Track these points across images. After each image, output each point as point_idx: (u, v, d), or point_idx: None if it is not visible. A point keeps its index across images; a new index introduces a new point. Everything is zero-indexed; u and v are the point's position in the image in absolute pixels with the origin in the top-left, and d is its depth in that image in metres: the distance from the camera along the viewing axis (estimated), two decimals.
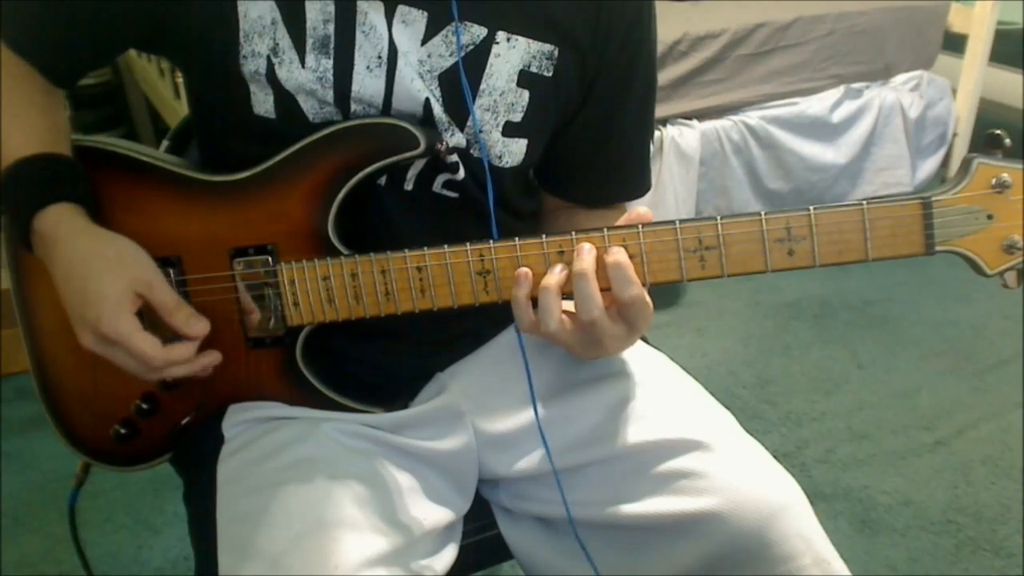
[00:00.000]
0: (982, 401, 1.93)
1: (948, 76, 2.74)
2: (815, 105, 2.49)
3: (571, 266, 0.66)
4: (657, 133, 2.30)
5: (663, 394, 0.80)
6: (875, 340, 2.19)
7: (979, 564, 1.49)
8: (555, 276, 0.65)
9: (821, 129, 2.52)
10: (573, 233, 0.66)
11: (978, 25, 2.64)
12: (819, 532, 0.72)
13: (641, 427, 0.76)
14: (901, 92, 2.62)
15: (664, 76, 2.28)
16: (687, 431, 0.75)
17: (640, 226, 0.65)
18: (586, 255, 0.65)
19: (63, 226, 0.70)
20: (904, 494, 1.65)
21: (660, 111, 2.31)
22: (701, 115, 2.38)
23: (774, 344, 2.18)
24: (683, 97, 2.33)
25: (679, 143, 2.32)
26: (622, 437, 0.76)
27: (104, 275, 0.69)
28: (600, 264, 0.65)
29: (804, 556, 0.70)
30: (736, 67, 2.37)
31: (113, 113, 3.16)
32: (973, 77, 2.70)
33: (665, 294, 2.42)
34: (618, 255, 0.64)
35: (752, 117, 2.43)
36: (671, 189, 2.31)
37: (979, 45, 2.65)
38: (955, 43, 2.75)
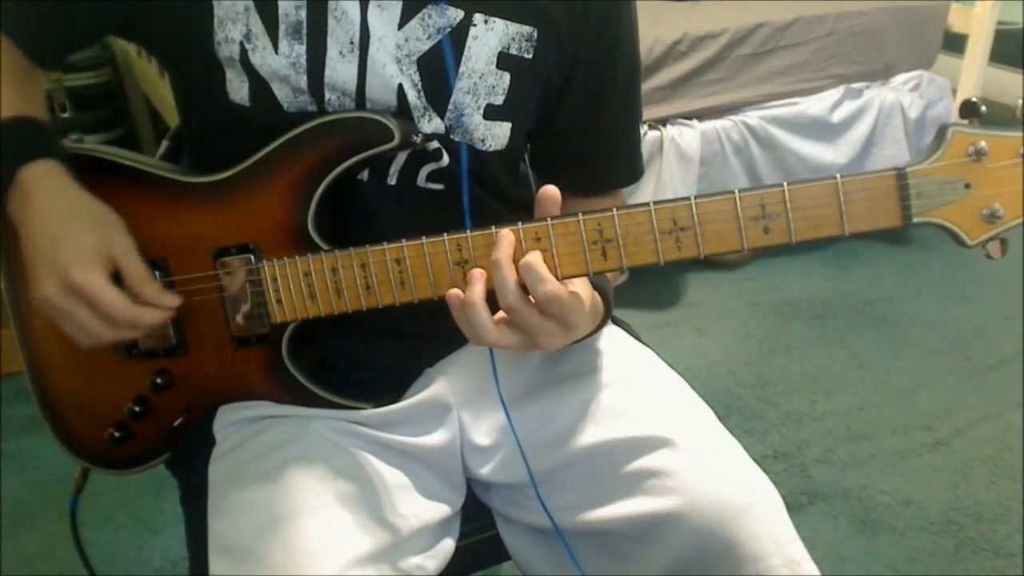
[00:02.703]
0: (982, 401, 1.93)
1: (948, 76, 2.73)
2: (815, 105, 2.49)
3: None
4: (657, 133, 2.30)
5: (639, 391, 0.80)
6: (875, 340, 2.19)
7: (979, 564, 1.49)
8: (476, 289, 0.64)
9: (821, 129, 2.52)
10: (549, 219, 0.65)
11: (978, 25, 2.64)
12: (790, 533, 0.71)
13: (613, 425, 0.76)
14: (901, 92, 2.62)
15: (664, 76, 2.28)
16: (656, 428, 0.74)
17: (615, 209, 0.64)
18: (503, 245, 0.64)
19: (51, 177, 0.71)
20: (904, 494, 1.65)
21: (660, 111, 2.31)
22: (701, 115, 2.38)
23: (774, 344, 2.18)
24: (683, 97, 2.33)
25: (679, 143, 2.32)
26: (594, 436, 0.76)
27: (83, 229, 0.70)
28: (517, 253, 0.65)
29: (774, 556, 0.68)
30: (736, 67, 2.38)
31: (113, 113, 3.15)
32: (973, 77, 2.70)
33: (665, 294, 2.42)
34: (529, 256, 0.64)
35: (752, 117, 2.43)
36: (671, 189, 2.31)
37: (979, 45, 2.65)
38: (955, 43, 2.76)
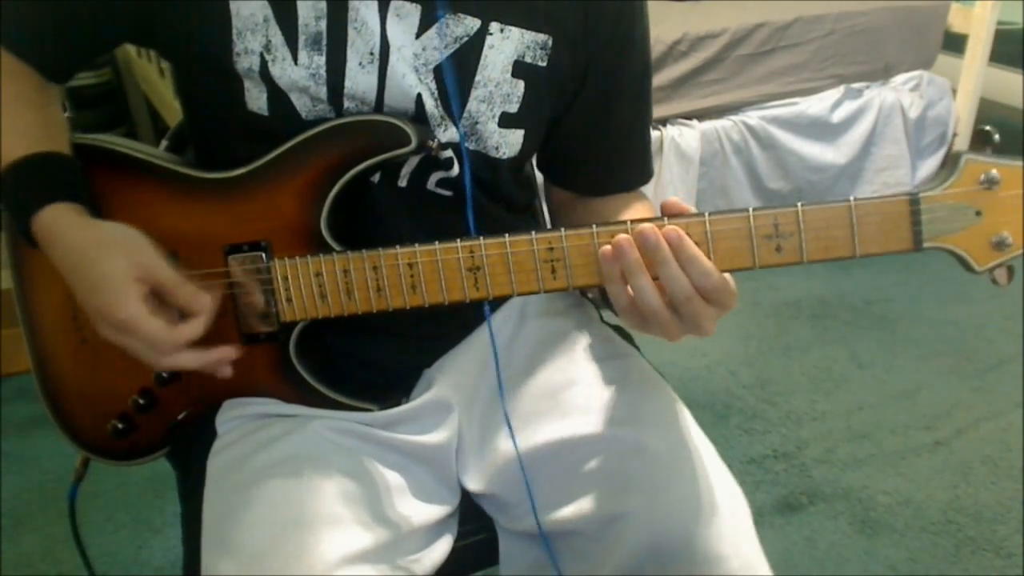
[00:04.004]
0: (982, 401, 1.93)
1: (948, 76, 2.74)
2: (815, 105, 2.49)
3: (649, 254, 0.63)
4: (657, 133, 2.31)
5: (611, 390, 0.80)
6: (875, 340, 2.19)
7: (979, 564, 1.49)
8: (634, 258, 0.63)
9: (821, 129, 2.52)
10: (563, 230, 0.66)
11: (978, 25, 2.64)
12: (751, 539, 0.71)
13: (581, 422, 0.76)
14: (901, 92, 2.62)
15: (664, 76, 2.28)
16: (621, 427, 0.74)
17: (629, 222, 0.65)
18: (662, 241, 0.63)
19: (59, 224, 0.71)
20: (904, 494, 1.65)
21: (660, 111, 2.31)
22: (701, 115, 2.38)
23: (774, 344, 2.18)
24: (683, 97, 2.33)
25: (679, 143, 2.32)
26: (560, 432, 0.76)
27: (104, 261, 0.69)
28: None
29: (732, 559, 0.68)
30: (736, 67, 2.38)
31: (113, 113, 3.15)
32: (973, 77, 2.70)
33: None
34: (691, 250, 0.63)
35: (752, 117, 2.43)
36: (671, 189, 2.31)
37: (979, 45, 2.65)
38: (955, 43, 2.76)
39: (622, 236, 0.64)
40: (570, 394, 0.79)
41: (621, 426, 0.75)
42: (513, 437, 0.77)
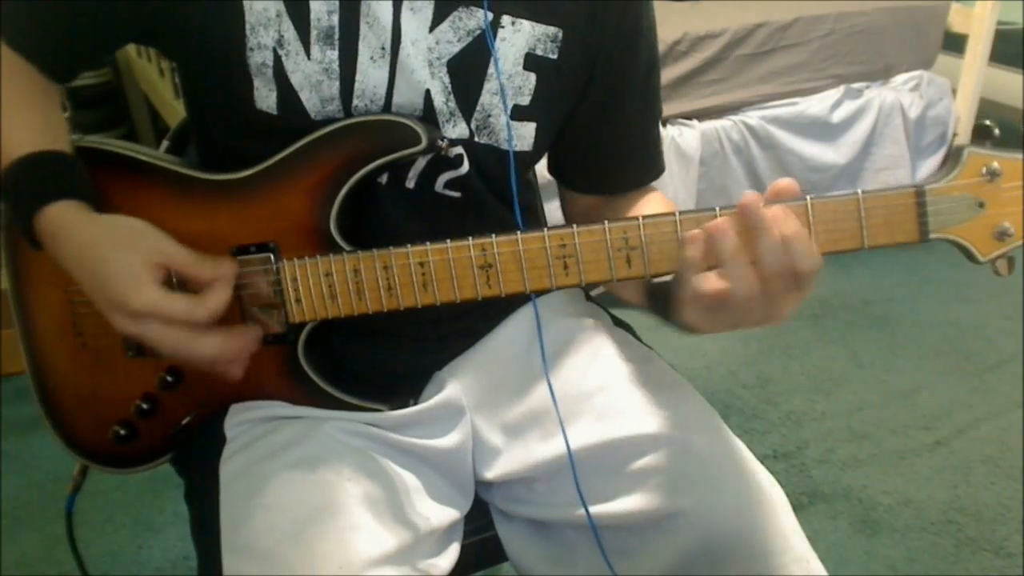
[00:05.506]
0: (982, 401, 1.94)
1: (948, 76, 2.74)
2: (815, 105, 2.49)
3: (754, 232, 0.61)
4: None
5: (644, 390, 0.80)
6: (875, 340, 2.19)
7: (979, 564, 1.49)
8: (733, 242, 0.60)
9: (821, 129, 2.52)
10: (575, 226, 0.66)
11: (978, 25, 2.64)
12: (798, 532, 0.72)
13: (618, 423, 0.76)
14: (901, 92, 2.62)
15: (664, 76, 2.26)
16: (664, 427, 0.75)
17: (640, 218, 0.65)
18: (771, 214, 0.60)
19: (66, 220, 0.70)
20: (904, 494, 1.65)
21: None
22: (701, 115, 2.38)
23: (774, 344, 2.18)
24: (683, 97, 2.33)
25: (679, 143, 2.32)
26: (599, 433, 0.76)
27: (117, 252, 0.68)
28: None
29: (784, 554, 0.69)
30: (736, 67, 2.38)
31: (113, 113, 3.16)
32: (973, 77, 2.70)
33: None
34: (798, 228, 0.60)
35: (752, 117, 2.43)
36: (671, 189, 2.31)
37: (979, 45, 2.65)
38: (955, 43, 2.76)
39: (720, 219, 0.62)
40: (605, 397, 0.79)
41: (663, 427, 0.75)
42: (564, 433, 0.76)
